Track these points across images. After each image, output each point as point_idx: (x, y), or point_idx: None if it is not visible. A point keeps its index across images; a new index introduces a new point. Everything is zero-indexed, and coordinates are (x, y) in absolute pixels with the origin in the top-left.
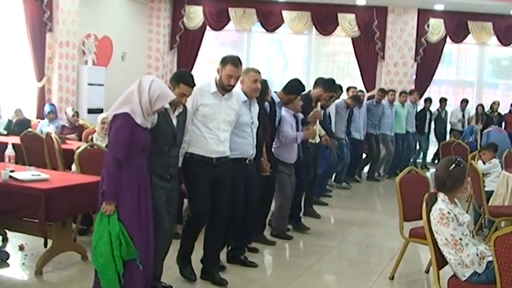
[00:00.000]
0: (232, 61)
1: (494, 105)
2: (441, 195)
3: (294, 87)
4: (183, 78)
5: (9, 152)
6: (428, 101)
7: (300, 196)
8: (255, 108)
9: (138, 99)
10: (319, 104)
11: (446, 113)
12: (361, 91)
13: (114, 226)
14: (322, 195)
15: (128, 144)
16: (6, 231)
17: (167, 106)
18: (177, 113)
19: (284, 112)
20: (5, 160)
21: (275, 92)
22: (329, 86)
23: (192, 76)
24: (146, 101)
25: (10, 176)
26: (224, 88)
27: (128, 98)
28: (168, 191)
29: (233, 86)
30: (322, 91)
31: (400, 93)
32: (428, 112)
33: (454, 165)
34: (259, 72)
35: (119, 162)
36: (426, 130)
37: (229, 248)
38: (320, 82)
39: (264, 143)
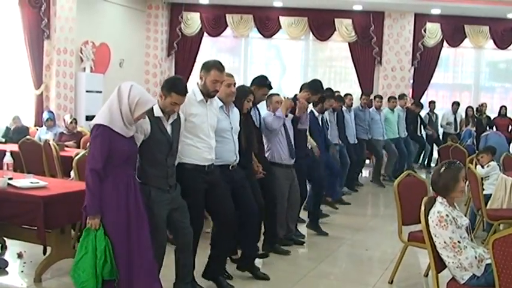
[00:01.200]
0: (216, 66)
1: (482, 107)
2: (439, 198)
3: (261, 81)
4: (175, 88)
5: (8, 159)
6: (433, 104)
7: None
8: (234, 113)
9: (117, 106)
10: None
11: (436, 116)
12: (350, 94)
13: (101, 242)
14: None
15: (105, 155)
16: (5, 239)
17: (160, 115)
18: (171, 120)
19: (268, 114)
20: (4, 168)
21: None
22: (316, 88)
23: (184, 83)
24: (126, 108)
25: (8, 184)
26: (209, 94)
27: (107, 106)
28: (169, 202)
29: (217, 91)
30: (310, 94)
31: (389, 99)
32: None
33: (444, 168)
34: (232, 76)
35: (97, 174)
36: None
37: (234, 256)
38: (305, 86)
39: (251, 149)
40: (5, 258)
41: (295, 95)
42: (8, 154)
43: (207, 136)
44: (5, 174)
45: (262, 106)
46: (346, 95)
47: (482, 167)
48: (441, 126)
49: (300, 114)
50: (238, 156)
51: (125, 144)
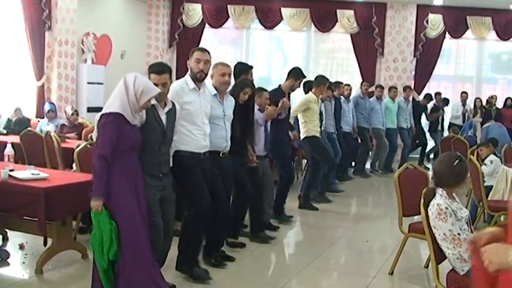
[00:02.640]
0: (198, 48)
1: (492, 99)
2: (439, 191)
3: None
4: (150, 69)
5: (9, 151)
6: (438, 96)
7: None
8: (229, 102)
9: (125, 96)
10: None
11: (443, 110)
12: (348, 85)
13: (105, 225)
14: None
15: (114, 142)
16: (7, 230)
17: (154, 102)
18: (166, 109)
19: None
20: (5, 159)
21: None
22: (297, 74)
23: (161, 64)
24: (132, 97)
25: (10, 175)
26: (196, 77)
27: (114, 97)
28: (160, 189)
29: (204, 73)
30: (293, 80)
31: (390, 88)
32: (441, 109)
33: (457, 161)
34: (228, 66)
35: (105, 159)
36: (439, 128)
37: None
38: (289, 73)
39: (246, 137)
40: (6, 250)
41: (279, 85)
42: (9, 146)
43: (203, 123)
44: (6, 166)
45: None
46: (339, 83)
47: (483, 160)
48: (452, 117)
49: (281, 111)
50: (229, 143)
51: (132, 132)
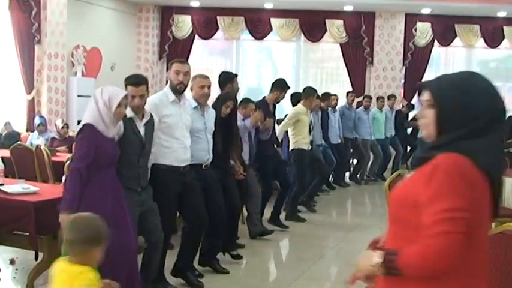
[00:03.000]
0: (177, 60)
1: None
2: None
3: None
4: (126, 81)
5: None
6: None
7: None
8: (210, 114)
9: (95, 108)
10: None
11: None
12: (335, 95)
13: None
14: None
15: (92, 155)
16: None
17: (132, 115)
18: (144, 121)
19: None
20: None
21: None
22: (282, 85)
23: (138, 76)
24: (102, 106)
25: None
26: (176, 89)
27: (86, 112)
28: (139, 204)
29: (184, 85)
30: (278, 92)
31: (377, 99)
32: None
33: None
34: (207, 78)
35: (79, 172)
36: (420, 135)
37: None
38: (273, 85)
39: (229, 150)
40: None
41: (264, 97)
42: None
43: (183, 136)
44: None
45: None
46: (329, 95)
47: None
48: None
49: (262, 130)
50: (211, 155)
51: (108, 145)
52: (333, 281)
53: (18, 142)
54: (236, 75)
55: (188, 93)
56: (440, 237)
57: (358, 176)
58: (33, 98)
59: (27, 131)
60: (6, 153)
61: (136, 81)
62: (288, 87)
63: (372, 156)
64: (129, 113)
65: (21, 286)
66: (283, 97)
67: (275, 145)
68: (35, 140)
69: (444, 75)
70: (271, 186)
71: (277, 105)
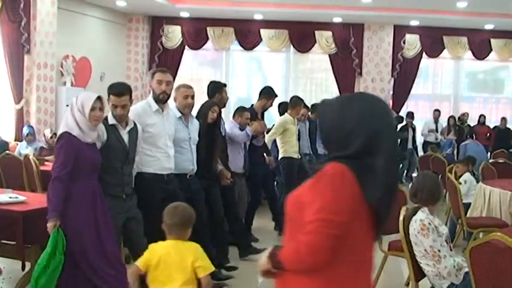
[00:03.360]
0: (159, 69)
1: (463, 116)
2: (422, 208)
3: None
4: (109, 89)
5: None
6: (410, 115)
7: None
8: (194, 124)
9: (70, 115)
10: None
11: (414, 127)
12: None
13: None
14: None
15: (71, 161)
16: None
17: (114, 122)
18: (128, 128)
19: (230, 123)
20: None
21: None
22: (269, 93)
23: (122, 86)
24: (77, 112)
25: None
26: (159, 99)
27: (63, 120)
28: (126, 210)
29: (167, 95)
30: (265, 100)
31: None
32: (410, 127)
33: (440, 178)
34: (191, 88)
35: (60, 180)
36: (411, 146)
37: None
38: (260, 93)
39: (212, 159)
40: None
41: (252, 105)
42: None
43: (165, 145)
44: None
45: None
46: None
47: (458, 177)
48: (422, 134)
49: (255, 132)
50: (195, 166)
51: (88, 150)
52: None
53: (7, 152)
54: (225, 85)
55: (172, 103)
56: (311, 235)
57: None
58: (22, 107)
59: (15, 140)
60: None
61: (118, 91)
62: (276, 95)
63: None
64: (110, 120)
65: None
66: (271, 105)
67: (265, 154)
68: (23, 149)
69: (329, 99)
70: (259, 196)
71: (266, 116)
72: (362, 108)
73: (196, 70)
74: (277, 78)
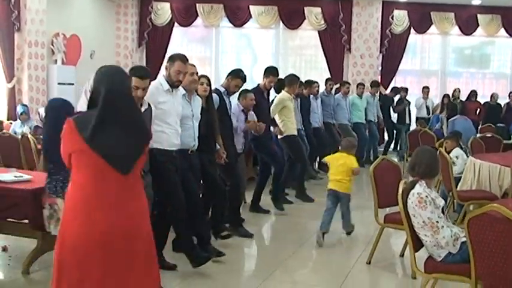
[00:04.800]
0: (180, 58)
1: (456, 92)
2: (419, 181)
3: (236, 72)
4: (132, 71)
5: None
6: (404, 90)
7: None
8: (196, 101)
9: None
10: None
11: (408, 102)
12: (316, 82)
13: None
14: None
15: None
16: None
17: None
18: (143, 109)
19: (234, 105)
20: None
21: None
22: (276, 72)
23: (144, 69)
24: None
25: None
26: (173, 84)
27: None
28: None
29: (181, 83)
30: (272, 77)
31: (357, 85)
32: (406, 101)
33: (438, 152)
34: (195, 66)
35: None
36: (408, 121)
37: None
38: (266, 71)
39: (212, 135)
40: None
41: (258, 85)
42: None
43: (175, 122)
44: None
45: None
46: (312, 82)
47: (449, 152)
48: (416, 107)
49: (251, 128)
50: (197, 142)
51: None
52: (316, 263)
53: (3, 130)
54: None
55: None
56: None
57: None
58: (14, 86)
59: (8, 119)
60: None
61: (142, 73)
62: (278, 73)
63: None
64: None
65: (17, 272)
66: (276, 83)
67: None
68: (18, 128)
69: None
70: (269, 166)
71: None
72: (100, 74)
73: (186, 47)
74: (267, 54)
